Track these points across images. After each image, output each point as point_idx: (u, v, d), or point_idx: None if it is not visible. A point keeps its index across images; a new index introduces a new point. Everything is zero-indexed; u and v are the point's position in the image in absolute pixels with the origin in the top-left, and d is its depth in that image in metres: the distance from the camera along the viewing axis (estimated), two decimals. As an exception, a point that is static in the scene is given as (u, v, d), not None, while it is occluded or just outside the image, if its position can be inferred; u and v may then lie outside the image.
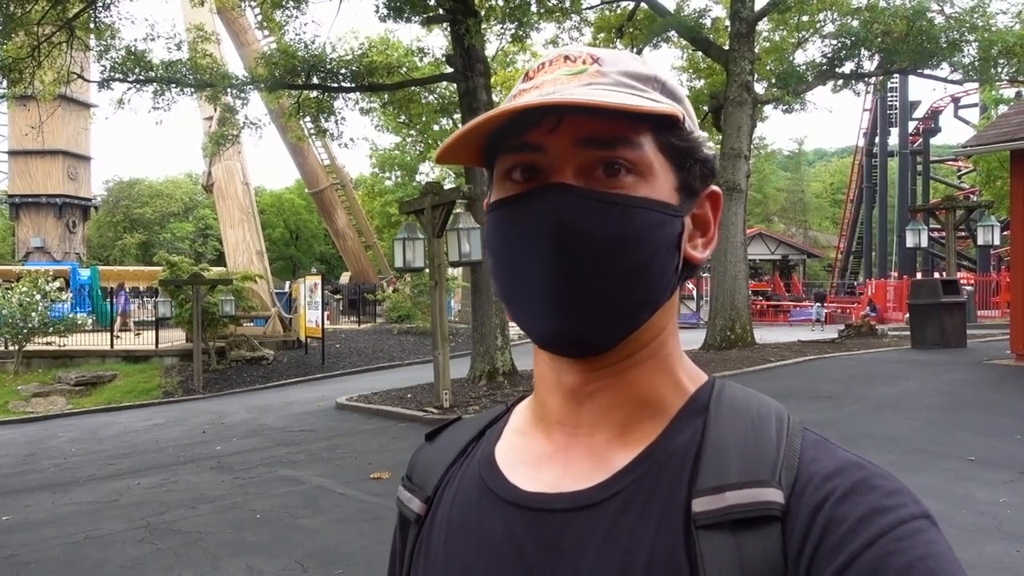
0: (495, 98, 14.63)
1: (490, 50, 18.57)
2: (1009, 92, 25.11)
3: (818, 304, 30.09)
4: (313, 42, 15.11)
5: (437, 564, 0.73)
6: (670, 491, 0.64)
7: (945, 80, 18.26)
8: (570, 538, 0.66)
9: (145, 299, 27.32)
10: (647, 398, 0.70)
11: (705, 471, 0.63)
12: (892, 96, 35.70)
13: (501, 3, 15.00)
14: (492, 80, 15.70)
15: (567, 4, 16.59)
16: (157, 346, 20.84)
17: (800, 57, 19.21)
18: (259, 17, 25.29)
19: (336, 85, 15.30)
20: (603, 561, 0.63)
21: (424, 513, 0.78)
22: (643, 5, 18.55)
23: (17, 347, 19.21)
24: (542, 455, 0.73)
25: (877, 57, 17.45)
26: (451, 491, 0.77)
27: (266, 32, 25.50)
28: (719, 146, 16.41)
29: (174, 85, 14.84)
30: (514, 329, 15.83)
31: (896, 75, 22.53)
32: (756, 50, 17.29)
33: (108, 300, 23.69)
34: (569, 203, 0.64)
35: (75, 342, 20.57)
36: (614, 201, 0.65)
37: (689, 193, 0.70)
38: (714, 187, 0.74)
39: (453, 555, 0.72)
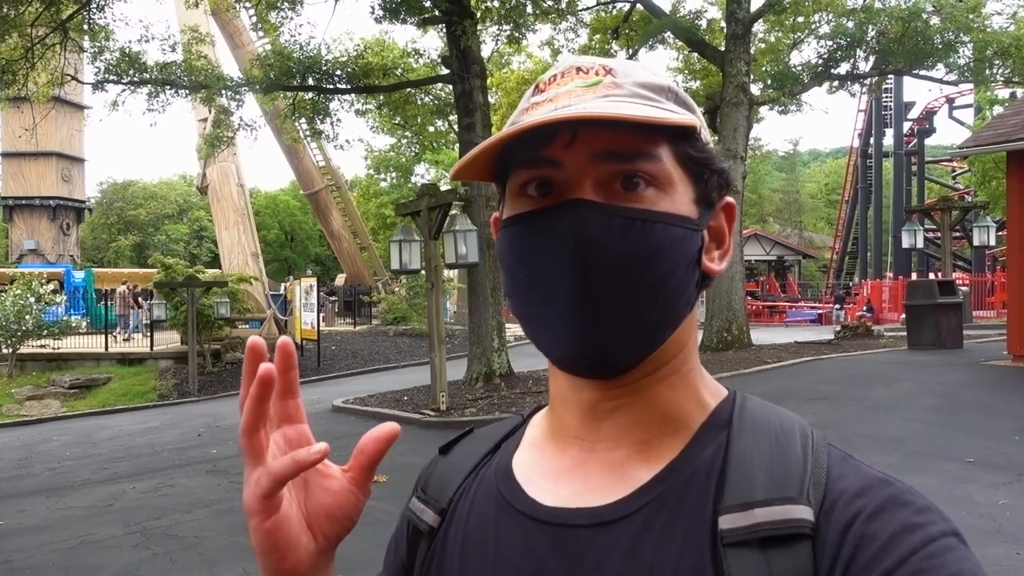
0: (491, 99, 14.61)
1: (486, 51, 18.53)
2: (1004, 93, 25.17)
3: (837, 306, 29.99)
4: (308, 44, 15.08)
5: None
6: (695, 508, 0.63)
7: (940, 81, 18.35)
8: (592, 554, 0.64)
9: (140, 301, 27.23)
10: (669, 414, 0.69)
11: (731, 487, 0.62)
12: (887, 97, 35.79)
13: (497, 4, 14.98)
14: (488, 82, 15.68)
15: (563, 5, 16.61)
16: (152, 348, 20.79)
17: (796, 58, 19.35)
18: (254, 19, 25.25)
19: (331, 87, 15.27)
20: None
21: (438, 525, 0.76)
22: (639, 6, 18.55)
23: (11, 350, 19.13)
24: (560, 469, 0.71)
25: (872, 58, 17.51)
26: (466, 504, 0.75)
27: (261, 34, 25.48)
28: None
29: (168, 87, 14.79)
30: (511, 331, 15.82)
31: (891, 76, 22.57)
32: (752, 51, 17.30)
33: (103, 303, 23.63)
34: (590, 220, 0.62)
35: (69, 345, 20.50)
36: (636, 216, 0.63)
37: (707, 205, 0.69)
38: (728, 198, 0.73)
39: (469, 569, 0.71)
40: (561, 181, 0.64)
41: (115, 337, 22.17)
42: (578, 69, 0.68)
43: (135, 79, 14.63)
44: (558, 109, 0.63)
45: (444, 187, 11.68)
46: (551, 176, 0.65)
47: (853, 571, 0.57)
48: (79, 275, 29.47)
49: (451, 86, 14.59)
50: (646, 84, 0.67)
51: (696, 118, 0.67)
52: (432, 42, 44.98)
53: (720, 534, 0.60)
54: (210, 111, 18.56)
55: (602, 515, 0.66)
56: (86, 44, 15.15)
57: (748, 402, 0.70)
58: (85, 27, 14.72)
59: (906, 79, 31.01)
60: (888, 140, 37.94)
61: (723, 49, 16.59)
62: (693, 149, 0.67)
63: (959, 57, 16.40)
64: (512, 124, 0.67)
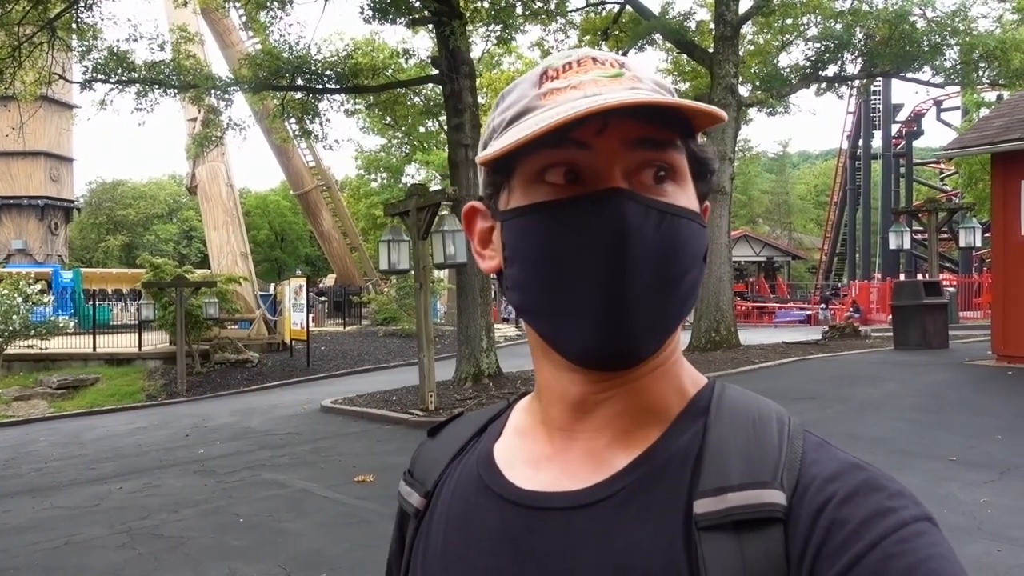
0: (481, 100, 14.61)
1: (475, 52, 18.57)
2: (990, 95, 25.35)
3: (823, 305, 30.25)
4: (298, 43, 15.03)
5: (435, 560, 0.73)
6: (670, 492, 0.64)
7: (927, 83, 18.47)
8: (567, 537, 0.65)
9: (128, 302, 27.12)
10: (652, 405, 0.70)
11: (706, 473, 0.63)
12: (875, 99, 36.00)
13: (486, 5, 15.00)
14: (478, 82, 15.69)
15: (552, 6, 16.61)
16: (140, 349, 20.69)
17: (784, 60, 19.41)
18: (243, 18, 25.17)
19: (321, 87, 15.24)
20: (599, 561, 0.63)
21: (424, 508, 0.78)
22: (628, 8, 18.60)
23: (-2, 350, 19.02)
24: (541, 456, 0.72)
25: (860, 60, 17.60)
26: (450, 486, 0.77)
27: (250, 33, 25.40)
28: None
29: (157, 86, 14.73)
30: (499, 331, 15.82)
31: (879, 78, 22.71)
32: (740, 53, 17.38)
33: (91, 303, 23.51)
34: (633, 211, 0.62)
35: (57, 345, 20.39)
36: (667, 210, 0.64)
37: (701, 203, 0.71)
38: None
39: (451, 551, 0.72)
40: (588, 166, 0.64)
41: None
42: (594, 59, 0.68)
43: (123, 78, 14.57)
44: (588, 96, 0.63)
45: (433, 187, 11.69)
46: (576, 159, 0.64)
47: (824, 555, 0.57)
48: (67, 275, 29.30)
49: (441, 87, 14.59)
50: (657, 81, 0.68)
51: None
52: (423, 43, 44.96)
53: (694, 518, 0.61)
54: (199, 111, 18.50)
55: (578, 499, 0.66)
56: (74, 43, 15.07)
57: (727, 390, 0.71)
58: (73, 26, 14.66)
59: (894, 81, 31.23)
60: (877, 142, 38.14)
61: (712, 51, 16.65)
62: (697, 148, 0.69)
63: (945, 60, 16.52)
64: (528, 109, 0.66)
